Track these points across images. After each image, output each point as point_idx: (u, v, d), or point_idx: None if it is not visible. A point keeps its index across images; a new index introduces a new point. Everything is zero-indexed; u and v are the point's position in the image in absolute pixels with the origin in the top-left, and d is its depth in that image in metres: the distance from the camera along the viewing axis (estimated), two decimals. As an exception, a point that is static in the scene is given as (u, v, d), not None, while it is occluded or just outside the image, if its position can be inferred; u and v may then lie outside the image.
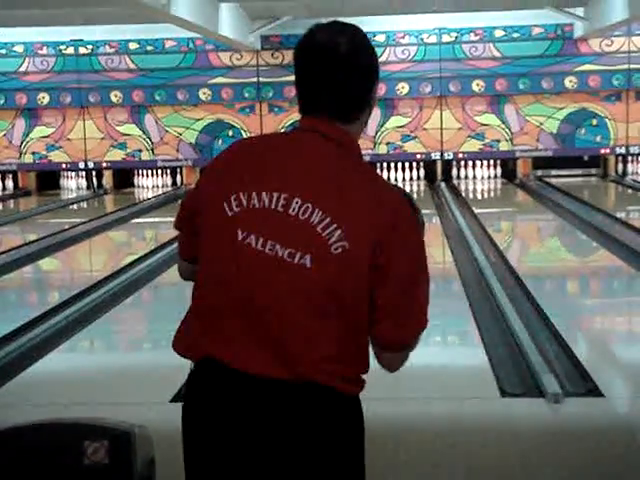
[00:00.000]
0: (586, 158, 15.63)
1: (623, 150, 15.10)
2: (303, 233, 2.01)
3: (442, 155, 15.26)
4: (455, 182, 15.36)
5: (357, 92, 2.10)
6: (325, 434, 2.05)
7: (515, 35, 14.80)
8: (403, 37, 14.81)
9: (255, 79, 15.13)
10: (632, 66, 14.67)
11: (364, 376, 2.15)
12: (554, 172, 15.63)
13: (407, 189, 14.74)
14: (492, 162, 15.60)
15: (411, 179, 15.50)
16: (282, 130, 14.98)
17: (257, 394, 2.02)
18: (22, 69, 15.39)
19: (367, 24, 14.71)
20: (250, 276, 2.03)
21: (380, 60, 2.23)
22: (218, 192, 2.10)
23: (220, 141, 15.34)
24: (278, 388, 2.02)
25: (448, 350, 5.91)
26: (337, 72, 2.05)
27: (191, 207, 2.21)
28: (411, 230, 2.08)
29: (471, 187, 15.14)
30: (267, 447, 2.03)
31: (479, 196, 14.78)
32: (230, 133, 15.34)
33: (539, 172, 15.60)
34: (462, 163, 15.57)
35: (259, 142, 2.21)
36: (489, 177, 15.63)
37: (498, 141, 15.16)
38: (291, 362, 2.01)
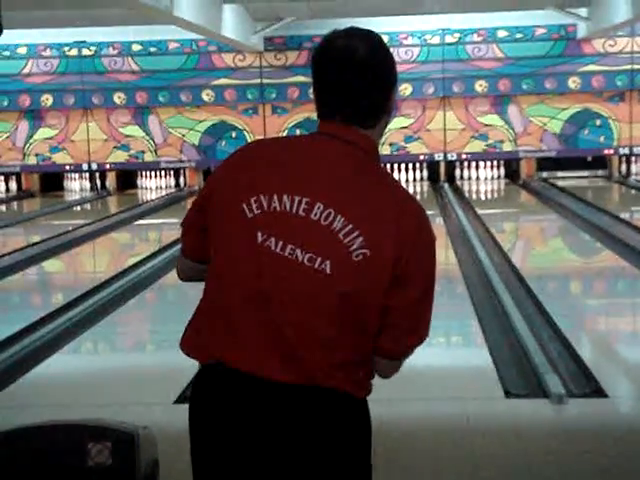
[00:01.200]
0: (589, 159, 15.63)
1: (627, 150, 15.10)
2: (324, 239, 1.98)
3: (445, 156, 15.26)
4: (458, 183, 15.35)
5: (375, 97, 2.09)
6: (334, 437, 2.04)
7: (518, 36, 14.80)
8: (406, 38, 14.83)
9: (258, 80, 15.13)
10: (635, 66, 14.67)
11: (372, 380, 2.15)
12: (560, 174, 15.62)
13: (410, 190, 14.75)
14: (495, 163, 15.60)
15: (414, 180, 15.50)
16: (286, 131, 15.00)
17: (266, 397, 2.02)
18: (25, 71, 15.42)
19: (370, 25, 14.66)
20: (268, 279, 2.01)
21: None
22: (236, 193, 2.06)
23: (223, 142, 15.35)
24: (287, 391, 2.01)
25: (452, 351, 5.91)
26: (355, 77, 2.04)
27: (203, 206, 2.17)
28: (430, 242, 2.08)
29: (474, 188, 15.13)
30: (275, 450, 2.03)
31: (482, 197, 14.77)
32: (233, 134, 15.35)
33: (544, 174, 15.58)
34: (465, 164, 15.57)
35: (277, 144, 2.19)
36: (492, 178, 15.63)
37: (501, 142, 15.16)
38: (302, 366, 2.00)
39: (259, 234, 2.02)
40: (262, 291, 2.02)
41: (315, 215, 2.00)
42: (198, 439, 2.12)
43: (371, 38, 2.10)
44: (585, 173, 15.73)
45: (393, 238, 1.99)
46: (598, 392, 4.64)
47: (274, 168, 2.07)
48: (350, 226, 1.98)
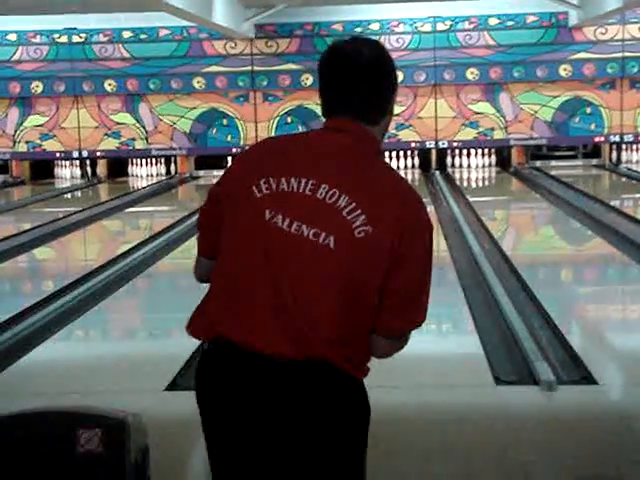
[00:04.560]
0: (581, 148, 15.64)
1: (617, 138, 15.11)
2: (329, 215, 2.11)
3: (437, 144, 15.25)
4: (450, 171, 15.35)
5: (379, 96, 2.25)
6: (333, 415, 2.12)
7: (510, 23, 14.78)
8: (397, 25, 14.77)
9: (249, 68, 15.09)
10: (626, 54, 14.67)
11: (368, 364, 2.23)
12: (553, 163, 15.62)
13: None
14: (486, 150, 15.60)
15: (405, 167, 15.49)
16: (277, 119, 15.01)
17: (269, 374, 2.10)
18: (15, 57, 15.34)
19: (362, 12, 14.66)
20: (275, 255, 2.12)
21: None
22: (246, 179, 2.20)
23: (214, 130, 15.31)
24: (289, 368, 2.09)
25: (442, 338, 5.92)
26: (362, 77, 2.20)
27: (216, 199, 2.29)
28: (428, 229, 2.20)
29: (465, 176, 15.14)
30: (278, 425, 2.11)
31: (473, 185, 14.78)
32: (224, 122, 15.31)
33: (537, 163, 15.57)
34: (457, 152, 15.56)
35: (286, 138, 2.35)
36: (483, 165, 15.63)
37: (492, 129, 15.15)
38: (302, 341, 2.09)
39: (267, 212, 2.14)
40: (269, 267, 2.12)
41: (321, 194, 2.14)
42: (207, 416, 2.21)
43: (375, 44, 2.27)
44: (579, 162, 15.75)
45: (393, 221, 2.12)
46: (587, 379, 4.65)
47: (283, 157, 2.22)
48: (353, 204, 2.12)
